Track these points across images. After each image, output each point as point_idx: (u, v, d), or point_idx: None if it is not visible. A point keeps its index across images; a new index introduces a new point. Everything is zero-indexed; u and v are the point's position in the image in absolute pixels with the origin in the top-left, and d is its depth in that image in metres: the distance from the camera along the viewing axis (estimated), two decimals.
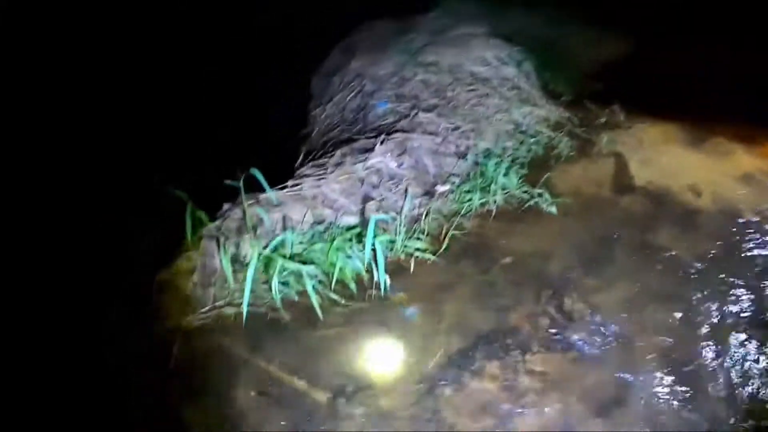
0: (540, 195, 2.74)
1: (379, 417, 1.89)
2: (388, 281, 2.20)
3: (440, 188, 2.65)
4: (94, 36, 3.47)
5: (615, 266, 2.41)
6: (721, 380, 2.02)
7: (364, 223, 2.30)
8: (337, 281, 2.24)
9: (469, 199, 2.65)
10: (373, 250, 2.17)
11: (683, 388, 1.98)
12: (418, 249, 2.39)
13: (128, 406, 2.08)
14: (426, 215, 2.53)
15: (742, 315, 2.25)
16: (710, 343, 2.13)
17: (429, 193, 2.64)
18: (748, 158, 3.11)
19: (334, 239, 2.25)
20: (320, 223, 2.36)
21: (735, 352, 2.12)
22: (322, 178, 2.52)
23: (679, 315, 2.22)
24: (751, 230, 2.63)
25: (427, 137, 2.83)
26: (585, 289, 2.30)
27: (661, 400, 1.95)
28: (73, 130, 3.12)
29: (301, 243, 2.27)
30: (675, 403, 1.95)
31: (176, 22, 3.65)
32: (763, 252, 2.52)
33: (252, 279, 2.09)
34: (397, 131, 2.83)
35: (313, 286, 2.15)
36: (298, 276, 2.18)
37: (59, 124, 3.13)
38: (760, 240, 2.58)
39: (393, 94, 3.16)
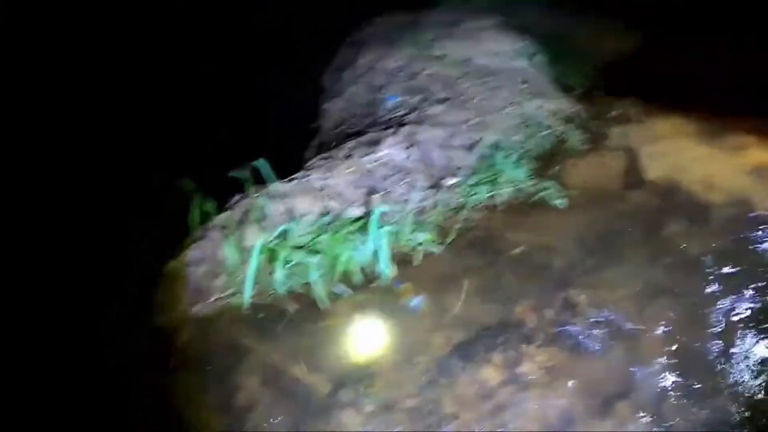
0: (548, 188, 2.73)
1: (380, 407, 1.90)
2: (393, 273, 2.22)
3: (448, 181, 2.67)
4: (94, 36, 3.54)
5: (623, 260, 2.40)
6: (728, 375, 2.00)
7: (369, 215, 2.33)
8: (342, 272, 2.28)
9: (477, 192, 2.66)
10: (378, 241, 2.17)
11: (689, 383, 1.97)
12: (423, 241, 2.40)
13: (128, 406, 2.07)
14: (433, 208, 2.55)
15: (751, 310, 2.22)
16: (718, 338, 2.12)
17: (436, 186, 2.66)
18: (760, 153, 3.08)
19: (339, 231, 2.28)
20: (326, 214, 2.39)
21: (744, 348, 2.10)
22: (330, 171, 2.56)
23: (687, 309, 2.21)
24: (763, 225, 2.61)
25: (436, 130, 2.86)
26: (592, 282, 2.29)
27: (666, 394, 1.94)
28: (73, 129, 3.16)
29: (306, 234, 2.31)
30: (681, 397, 1.94)
31: (176, 22, 3.70)
32: None
33: (255, 269, 2.13)
34: (405, 124, 2.87)
35: (318, 277, 2.18)
36: (304, 267, 2.21)
37: (59, 124, 3.18)
38: None
39: (402, 88, 3.20)
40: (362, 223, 2.33)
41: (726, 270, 2.36)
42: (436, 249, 2.41)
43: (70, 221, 2.67)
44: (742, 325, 2.16)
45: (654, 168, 2.93)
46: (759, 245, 2.49)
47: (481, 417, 1.87)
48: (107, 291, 2.40)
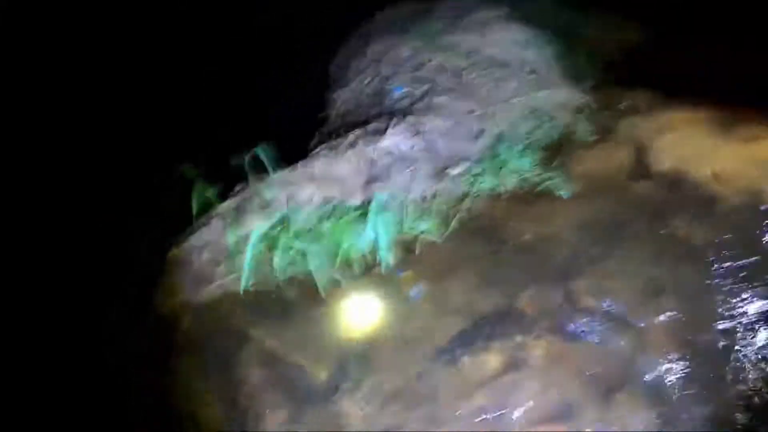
0: (554, 178, 2.72)
1: (378, 393, 1.93)
2: (394, 260, 2.26)
3: (452, 170, 2.68)
4: (94, 35, 3.60)
5: (627, 252, 2.38)
6: (733, 368, 1.98)
7: (372, 203, 2.38)
8: (342, 260, 2.31)
9: (481, 182, 2.66)
10: (378, 229, 2.22)
11: (692, 375, 1.96)
12: (426, 229, 2.42)
13: (128, 406, 2.07)
14: (436, 196, 2.56)
15: (760, 303, 2.18)
16: (722, 332, 2.09)
17: (440, 175, 2.68)
18: None
19: (341, 218, 2.34)
20: (328, 202, 2.44)
21: (748, 342, 2.07)
22: (334, 159, 2.60)
23: (691, 302, 2.19)
24: None
25: (441, 120, 2.88)
26: (594, 274, 2.28)
27: (667, 386, 1.93)
28: (73, 128, 3.22)
29: (308, 221, 2.36)
30: (682, 389, 1.93)
31: (176, 22, 3.76)
32: None
33: (254, 256, 2.21)
34: (411, 114, 2.90)
35: (319, 264, 2.23)
36: (304, 254, 2.27)
37: (59, 124, 3.23)
38: None
39: (409, 78, 3.21)
40: (364, 211, 2.38)
41: (733, 263, 2.32)
42: (439, 237, 2.42)
43: (69, 221, 2.70)
44: (748, 318, 2.13)
45: (662, 159, 2.88)
46: None
47: (480, 404, 1.88)
48: (107, 291, 2.41)
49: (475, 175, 2.70)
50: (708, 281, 2.24)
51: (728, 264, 2.30)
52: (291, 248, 2.27)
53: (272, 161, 2.43)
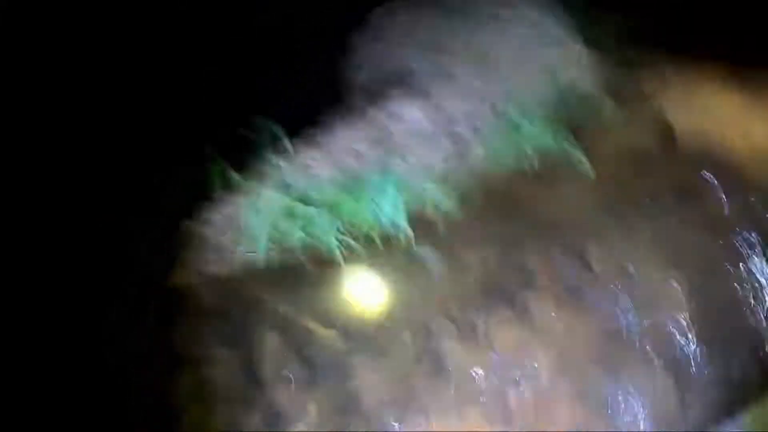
0: (576, 153, 2.73)
1: (389, 357, 2.02)
2: (410, 232, 2.34)
3: (471, 144, 2.71)
4: (95, 35, 3.62)
5: (650, 229, 2.40)
6: (749, 337, 1.96)
7: (384, 173, 2.45)
8: (355, 230, 2.39)
9: (500, 155, 2.69)
10: (394, 201, 2.32)
11: (706, 342, 2.00)
12: (442, 202, 2.48)
13: (128, 406, 2.09)
14: (454, 170, 2.61)
15: None
16: (741, 301, 2.13)
17: (459, 148, 2.71)
18: None
19: (356, 190, 2.42)
20: (345, 174, 2.51)
21: (764, 316, 2.07)
22: (349, 133, 2.67)
23: (712, 273, 2.23)
24: None
25: (461, 94, 2.91)
26: (616, 250, 2.32)
27: (682, 351, 1.98)
28: (73, 129, 3.23)
29: (323, 194, 2.45)
30: (697, 354, 1.97)
31: (176, 22, 3.78)
32: None
33: (270, 227, 2.33)
34: (427, 86, 2.93)
35: (331, 234, 2.32)
36: (320, 225, 2.36)
37: (59, 124, 3.25)
38: None
39: (429, 53, 3.23)
40: (380, 182, 2.45)
41: (757, 230, 2.34)
42: (456, 210, 2.47)
43: (69, 221, 2.71)
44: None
45: (685, 126, 2.87)
46: None
47: (493, 367, 1.96)
48: (107, 291, 2.42)
49: (496, 150, 2.71)
50: (729, 247, 2.27)
51: (756, 235, 2.32)
52: (307, 219, 2.37)
53: (283, 134, 2.51)
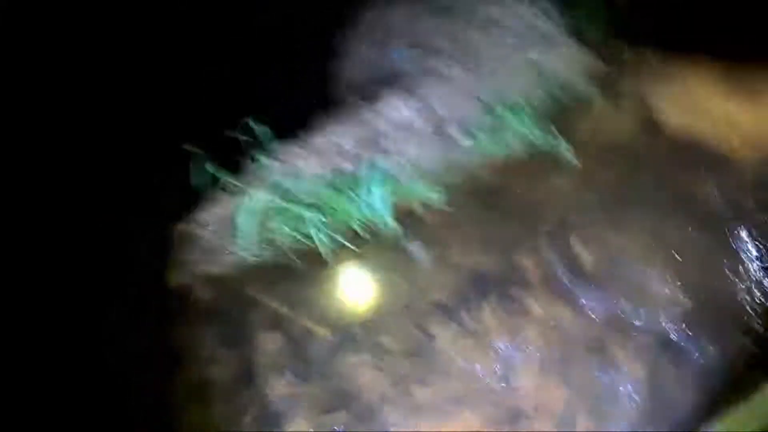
0: (558, 141, 2.75)
1: (379, 352, 2.04)
2: (399, 228, 2.37)
3: (452, 134, 2.73)
4: (94, 36, 3.64)
5: (634, 215, 2.42)
6: (737, 322, 1.98)
7: (372, 170, 2.48)
8: (344, 226, 2.43)
9: (482, 145, 2.70)
10: (378, 195, 2.34)
11: (695, 327, 2.01)
12: (427, 195, 2.51)
13: (128, 406, 2.10)
14: (438, 162, 2.64)
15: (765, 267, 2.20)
16: (728, 294, 2.12)
17: (441, 140, 2.74)
18: None
19: (342, 186, 2.45)
20: (330, 171, 2.54)
21: (754, 296, 2.07)
22: (335, 129, 2.69)
23: (698, 260, 2.23)
24: None
25: (442, 85, 2.93)
26: (598, 238, 2.34)
27: (670, 337, 1.99)
28: (73, 128, 3.25)
29: (311, 190, 2.47)
30: (686, 339, 1.98)
31: (176, 22, 3.80)
32: None
33: (258, 226, 2.36)
34: (411, 80, 2.95)
35: (321, 232, 2.35)
36: (308, 222, 2.39)
37: (59, 123, 3.27)
38: None
39: (409, 43, 3.26)
40: (368, 179, 2.47)
41: (746, 220, 2.33)
42: (440, 203, 2.51)
43: (69, 221, 2.73)
44: (756, 274, 2.15)
45: (674, 120, 2.88)
46: None
47: (474, 363, 1.97)
48: (107, 291, 2.43)
49: (477, 139, 2.73)
50: (718, 238, 2.27)
51: (740, 221, 2.32)
52: (294, 217, 2.40)
53: (272, 134, 2.54)
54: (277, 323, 2.19)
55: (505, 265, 2.27)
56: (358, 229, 2.43)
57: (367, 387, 1.96)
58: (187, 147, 2.45)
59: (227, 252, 2.41)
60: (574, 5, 3.63)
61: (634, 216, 2.40)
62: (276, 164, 2.53)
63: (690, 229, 2.32)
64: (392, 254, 2.36)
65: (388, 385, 1.96)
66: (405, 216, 2.47)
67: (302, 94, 3.18)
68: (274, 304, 2.25)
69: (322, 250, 2.34)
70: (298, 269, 2.35)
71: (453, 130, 2.75)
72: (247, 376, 2.04)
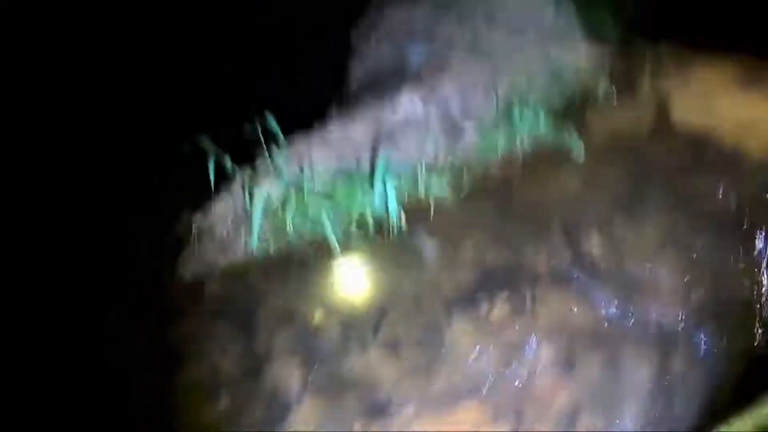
0: (568, 138, 2.75)
1: (388, 347, 2.05)
2: (402, 220, 2.39)
3: (465, 131, 2.76)
4: (95, 36, 3.66)
5: (643, 213, 2.41)
6: (745, 326, 1.96)
7: (384, 165, 2.49)
8: (355, 220, 2.46)
9: (495, 142, 2.73)
10: (386, 190, 2.37)
11: (701, 330, 1.98)
12: (437, 190, 2.53)
13: (128, 406, 2.10)
14: (450, 157, 2.66)
15: None
16: (738, 295, 2.09)
17: (454, 136, 2.76)
18: None
19: (353, 180, 2.47)
20: (342, 165, 2.57)
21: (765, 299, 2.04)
22: (348, 124, 2.71)
23: (709, 260, 2.20)
24: None
25: (456, 81, 2.95)
26: (608, 235, 2.33)
27: (677, 339, 1.96)
28: (73, 128, 3.27)
29: (322, 184, 2.50)
30: (692, 341, 1.96)
31: (176, 22, 3.82)
32: None
33: (265, 218, 2.39)
34: (425, 76, 2.97)
35: (332, 226, 2.36)
36: (319, 215, 2.40)
37: (59, 123, 3.29)
38: None
39: (426, 41, 3.30)
40: (375, 171, 2.49)
41: (760, 223, 2.30)
42: (451, 197, 2.52)
43: (69, 221, 2.74)
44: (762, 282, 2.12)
45: (686, 117, 2.88)
46: None
47: (483, 356, 1.97)
48: (107, 291, 2.44)
49: (489, 136, 2.76)
50: (730, 238, 2.24)
51: (754, 221, 2.29)
52: (306, 211, 2.44)
53: (284, 129, 2.56)
54: (287, 316, 2.20)
55: (514, 262, 2.26)
56: (370, 224, 2.45)
57: (375, 380, 1.95)
58: (200, 142, 2.46)
59: (240, 245, 2.44)
60: (593, 3, 3.65)
61: (645, 214, 2.39)
62: (288, 158, 2.54)
63: (702, 228, 2.31)
64: (403, 249, 2.38)
65: (395, 378, 1.95)
66: (416, 211, 2.49)
67: (315, 89, 3.21)
68: (285, 297, 2.27)
69: (333, 243, 2.36)
70: (310, 262, 2.38)
71: (466, 127, 2.78)
72: (256, 369, 2.04)
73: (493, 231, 2.36)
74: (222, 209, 2.51)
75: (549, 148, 2.74)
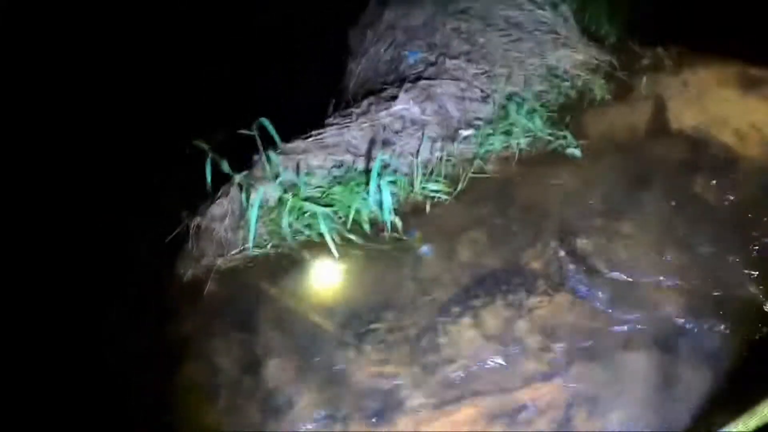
0: (565, 138, 2.79)
1: (383, 348, 2.06)
2: (397, 221, 2.40)
3: (462, 132, 2.78)
4: (95, 36, 3.68)
5: (639, 213, 2.43)
6: (746, 330, 1.96)
7: (381, 167, 2.50)
8: (353, 223, 2.46)
9: (491, 143, 2.76)
10: (381, 192, 2.37)
11: (700, 333, 1.98)
12: (435, 191, 2.56)
13: (128, 406, 2.10)
14: (446, 159, 2.68)
15: None
16: (738, 294, 2.09)
17: (450, 137, 2.79)
18: None
19: (350, 183, 2.48)
20: (339, 167, 2.59)
21: (766, 307, 2.04)
22: (346, 126, 2.73)
23: (705, 263, 2.21)
24: None
25: (453, 83, 2.99)
26: (603, 235, 2.35)
27: (674, 344, 1.96)
28: (73, 128, 3.28)
29: (319, 186, 2.52)
30: (690, 346, 1.95)
31: (176, 23, 3.83)
32: None
33: (261, 219, 2.41)
34: (423, 78, 3.01)
35: (330, 227, 2.38)
36: (316, 217, 2.42)
37: (59, 123, 3.30)
38: None
39: (424, 43, 3.32)
40: (371, 172, 2.49)
41: (754, 224, 2.32)
42: (448, 199, 2.54)
43: (69, 221, 2.75)
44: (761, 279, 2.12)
45: (684, 118, 2.90)
46: None
47: (477, 360, 1.98)
48: (107, 291, 2.45)
49: (486, 137, 2.78)
50: (729, 239, 2.25)
51: (753, 222, 2.30)
52: (304, 212, 2.45)
53: (282, 131, 2.58)
54: (285, 316, 2.22)
55: (511, 263, 2.27)
56: (367, 225, 2.46)
57: (373, 381, 1.96)
58: (198, 143, 2.47)
59: (238, 246, 2.46)
60: (591, 7, 3.67)
61: (643, 215, 2.40)
62: (286, 160, 2.56)
63: (700, 229, 2.32)
64: (400, 251, 2.39)
65: (391, 378, 1.96)
66: (413, 213, 2.51)
67: (314, 89, 3.23)
68: (283, 298, 2.29)
69: (330, 245, 2.37)
70: (307, 264, 2.40)
71: (464, 130, 2.80)
72: (254, 369, 2.05)
73: (490, 234, 2.37)
74: (220, 210, 2.52)
75: (546, 149, 2.77)
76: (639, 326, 2.03)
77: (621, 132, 2.86)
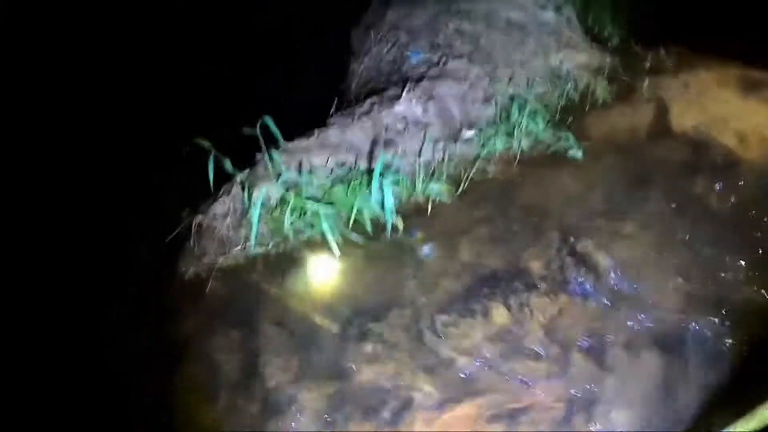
0: (566, 139, 2.80)
1: (383, 345, 2.06)
2: (398, 221, 2.41)
3: (464, 133, 2.80)
4: (95, 36, 3.68)
5: (640, 214, 2.44)
6: (746, 332, 1.97)
7: (383, 166, 2.50)
8: (355, 222, 2.47)
9: (493, 144, 2.78)
10: (382, 192, 2.38)
11: (700, 335, 1.98)
12: (436, 191, 2.57)
13: (128, 406, 2.10)
14: (448, 159, 2.70)
15: None
16: (738, 295, 2.10)
17: (452, 138, 2.81)
18: None
19: (352, 182, 2.49)
20: (341, 167, 2.59)
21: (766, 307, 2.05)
22: (348, 126, 2.74)
23: (706, 264, 2.21)
24: None
25: (455, 84, 3.00)
26: (604, 236, 2.35)
27: (674, 343, 1.96)
28: (73, 128, 3.28)
29: (321, 186, 2.53)
30: (691, 346, 1.96)
31: (176, 22, 3.83)
32: None
33: (262, 217, 2.41)
34: (425, 79, 3.01)
35: (331, 226, 2.38)
36: (318, 217, 2.42)
37: (59, 123, 3.30)
38: None
39: (427, 44, 3.34)
40: (373, 172, 2.50)
41: (757, 224, 2.33)
42: (449, 199, 2.56)
43: (69, 221, 2.75)
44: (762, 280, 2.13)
45: (685, 120, 2.92)
46: None
47: (476, 361, 1.97)
48: (107, 291, 2.45)
49: (488, 137, 2.80)
50: (729, 240, 2.26)
51: (752, 223, 2.31)
52: (305, 211, 2.46)
53: (285, 130, 2.58)
54: (286, 316, 2.22)
55: (512, 263, 2.28)
56: (368, 225, 2.46)
57: (373, 381, 1.97)
58: (199, 142, 2.47)
59: (239, 245, 2.46)
60: (594, 9, 3.69)
61: (644, 216, 2.41)
62: (289, 159, 2.56)
63: (700, 230, 2.33)
64: (401, 250, 2.39)
65: (391, 378, 1.97)
66: (415, 213, 2.52)
67: (315, 89, 3.23)
68: (284, 297, 2.29)
69: (331, 244, 2.38)
70: (308, 263, 2.40)
71: (466, 130, 2.82)
72: (254, 368, 2.06)
73: (492, 234, 2.38)
74: (221, 209, 2.53)
75: (548, 150, 2.79)
76: (639, 326, 2.03)
77: (622, 133, 2.88)
